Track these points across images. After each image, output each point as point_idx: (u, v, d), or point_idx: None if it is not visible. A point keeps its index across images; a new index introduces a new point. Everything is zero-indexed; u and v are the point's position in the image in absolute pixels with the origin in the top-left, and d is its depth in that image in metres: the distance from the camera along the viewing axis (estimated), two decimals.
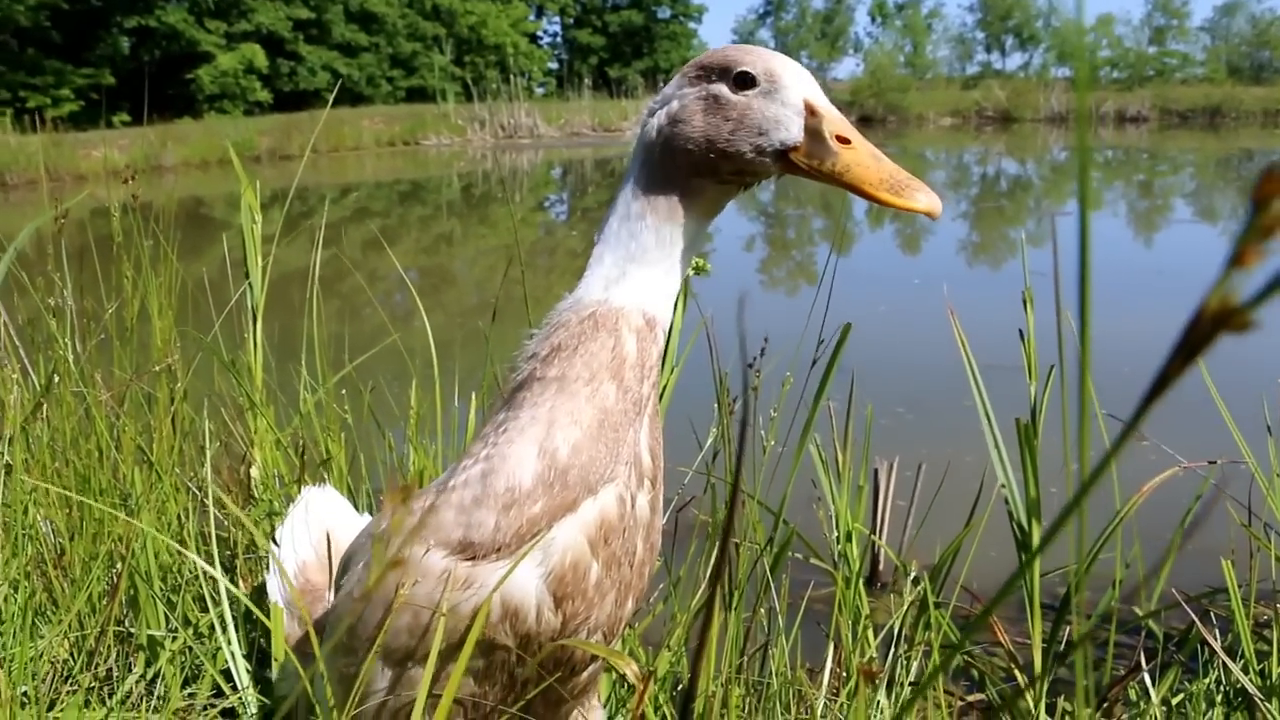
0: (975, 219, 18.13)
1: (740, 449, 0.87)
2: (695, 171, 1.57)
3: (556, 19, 78.79)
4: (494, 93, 45.79)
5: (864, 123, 48.48)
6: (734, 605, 2.58)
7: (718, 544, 2.96)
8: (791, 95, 1.54)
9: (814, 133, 1.52)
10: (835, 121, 1.53)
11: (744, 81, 1.54)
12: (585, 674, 1.71)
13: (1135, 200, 20.74)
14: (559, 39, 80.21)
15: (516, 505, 1.48)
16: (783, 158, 1.54)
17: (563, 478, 1.49)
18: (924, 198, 1.46)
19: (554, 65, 76.10)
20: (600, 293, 1.58)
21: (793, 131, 1.53)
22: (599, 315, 1.55)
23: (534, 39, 73.83)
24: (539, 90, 67.75)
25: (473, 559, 1.50)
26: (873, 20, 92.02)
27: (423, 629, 1.53)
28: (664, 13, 77.97)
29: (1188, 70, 68.87)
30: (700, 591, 2.94)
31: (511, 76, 48.25)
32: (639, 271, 1.57)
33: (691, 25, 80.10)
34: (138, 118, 44.85)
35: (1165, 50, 73.09)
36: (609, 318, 1.55)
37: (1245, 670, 2.65)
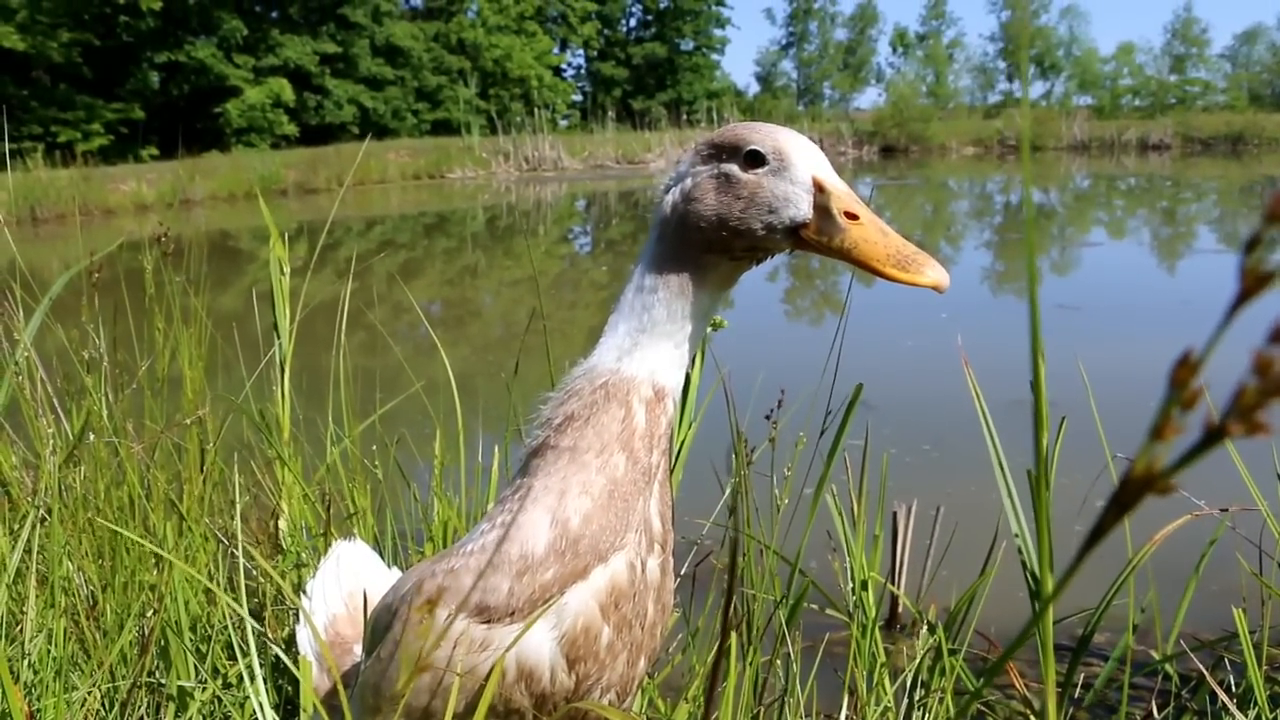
0: (999, 248, 18.12)
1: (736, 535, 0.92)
2: (708, 248, 1.60)
3: (580, 52, 79.20)
4: (518, 125, 46.15)
5: (887, 153, 48.46)
6: (750, 657, 2.61)
7: (724, 600, 3.00)
8: (800, 173, 1.56)
9: (823, 209, 1.55)
10: (843, 197, 1.55)
11: (754, 160, 1.57)
12: None
13: (1159, 228, 20.69)
14: (583, 71, 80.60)
15: (530, 572, 1.53)
16: (793, 234, 1.57)
17: (574, 546, 1.54)
18: (931, 272, 1.49)
19: (578, 98, 76.49)
20: (613, 363, 1.62)
21: (802, 209, 1.55)
22: (611, 386, 1.60)
23: (558, 72, 74.15)
24: (563, 123, 68.01)
25: (489, 622, 1.55)
26: (894, 51, 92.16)
27: (443, 689, 1.58)
28: (687, 45, 78.25)
29: (1209, 98, 68.57)
30: (718, 644, 2.97)
31: (536, 109, 48.61)
32: (650, 344, 1.61)
33: (714, 57, 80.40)
34: (166, 152, 45.34)
35: (1186, 78, 72.79)
36: (620, 388, 1.59)
37: (1258, 719, 2.66)
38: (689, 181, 1.63)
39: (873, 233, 1.53)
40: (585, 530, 1.55)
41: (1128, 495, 0.52)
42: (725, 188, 1.58)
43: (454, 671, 1.55)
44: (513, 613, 1.54)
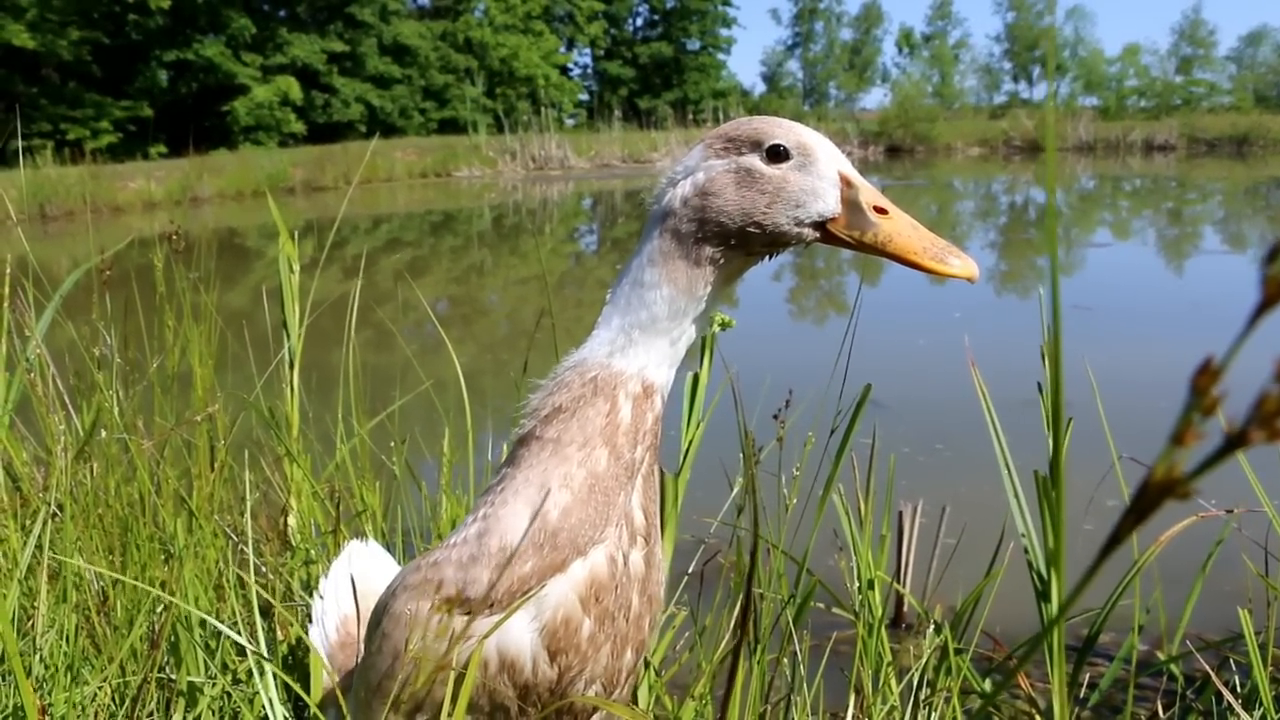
0: (1004, 248, 18.09)
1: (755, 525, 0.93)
2: (725, 243, 1.59)
3: (587, 51, 79.37)
4: (525, 124, 46.14)
5: (892, 153, 48.38)
6: (757, 656, 2.62)
7: (740, 599, 3.01)
8: (826, 168, 1.58)
9: (852, 204, 1.57)
10: (870, 192, 1.58)
11: (777, 154, 1.57)
12: None
13: (1165, 229, 20.64)
14: (589, 71, 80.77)
15: (509, 564, 1.54)
16: (820, 228, 1.59)
17: (552, 539, 1.54)
18: (960, 263, 1.53)
19: (584, 97, 76.64)
20: (604, 357, 1.62)
21: (830, 203, 1.57)
22: (599, 380, 1.59)
23: (565, 71, 74.33)
24: (569, 122, 68.17)
25: (470, 614, 1.56)
26: (900, 51, 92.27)
27: (427, 680, 1.59)
28: (693, 45, 78.46)
29: (1214, 99, 68.10)
30: (724, 642, 2.98)
31: (542, 108, 48.65)
32: (645, 340, 1.61)
33: (720, 57, 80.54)
34: (174, 149, 45.43)
35: (1192, 79, 72.41)
36: (608, 383, 1.59)
37: (1263, 718, 2.67)
38: (701, 175, 1.61)
39: (904, 226, 1.57)
40: (564, 523, 1.55)
41: (1147, 501, 0.52)
42: (747, 182, 1.58)
43: (437, 663, 1.56)
44: (492, 605, 1.55)
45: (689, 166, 1.65)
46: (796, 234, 1.59)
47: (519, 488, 1.58)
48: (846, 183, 1.58)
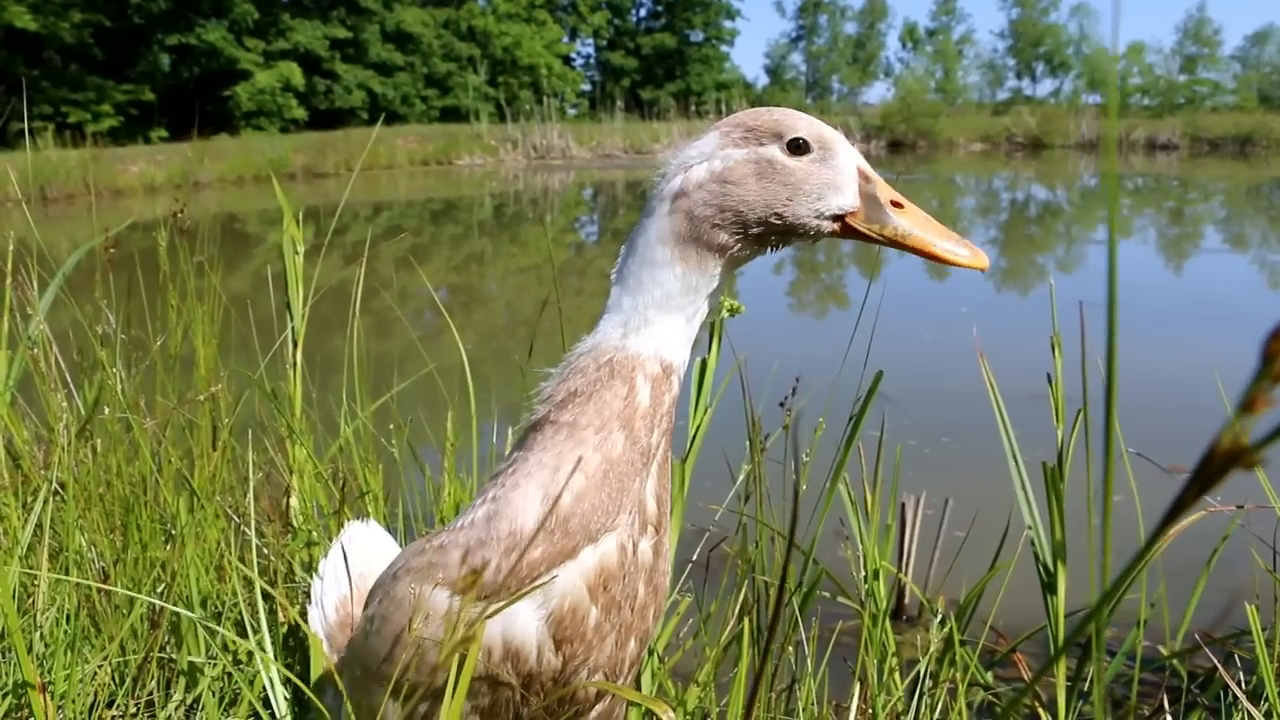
0: (1005, 245, 18.09)
1: (794, 519, 0.91)
2: (742, 232, 1.58)
3: (590, 41, 79.39)
4: (527, 114, 46.30)
5: (894, 148, 48.34)
6: (762, 645, 2.61)
7: (738, 590, 3.00)
8: (845, 162, 1.59)
9: (870, 198, 1.59)
10: (886, 187, 1.60)
11: (798, 147, 1.58)
12: (593, 714, 1.73)
13: (1165, 227, 20.65)
14: (592, 61, 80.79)
15: (518, 549, 1.51)
16: (839, 221, 1.59)
17: (564, 525, 1.51)
18: (970, 253, 1.57)
19: (587, 87, 76.64)
20: (619, 340, 1.59)
21: (849, 197, 1.58)
22: (616, 363, 1.57)
23: (567, 61, 74.30)
24: (571, 111, 68.22)
25: (476, 599, 1.53)
26: (904, 46, 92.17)
27: (428, 665, 1.57)
28: (696, 36, 78.42)
29: (1218, 98, 68.01)
30: (729, 629, 2.97)
31: (544, 98, 48.81)
32: (661, 318, 1.59)
33: (723, 49, 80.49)
34: (176, 134, 45.40)
35: (1196, 79, 72.33)
36: (625, 365, 1.57)
37: (1269, 714, 2.66)
38: (719, 164, 1.60)
39: (921, 220, 1.60)
40: (576, 509, 1.52)
41: (1213, 469, 0.51)
42: (769, 174, 1.58)
43: (442, 648, 1.53)
44: (499, 590, 1.51)
45: (704, 152, 1.63)
46: (815, 226, 1.59)
47: (531, 470, 1.55)
48: (864, 177, 1.60)
